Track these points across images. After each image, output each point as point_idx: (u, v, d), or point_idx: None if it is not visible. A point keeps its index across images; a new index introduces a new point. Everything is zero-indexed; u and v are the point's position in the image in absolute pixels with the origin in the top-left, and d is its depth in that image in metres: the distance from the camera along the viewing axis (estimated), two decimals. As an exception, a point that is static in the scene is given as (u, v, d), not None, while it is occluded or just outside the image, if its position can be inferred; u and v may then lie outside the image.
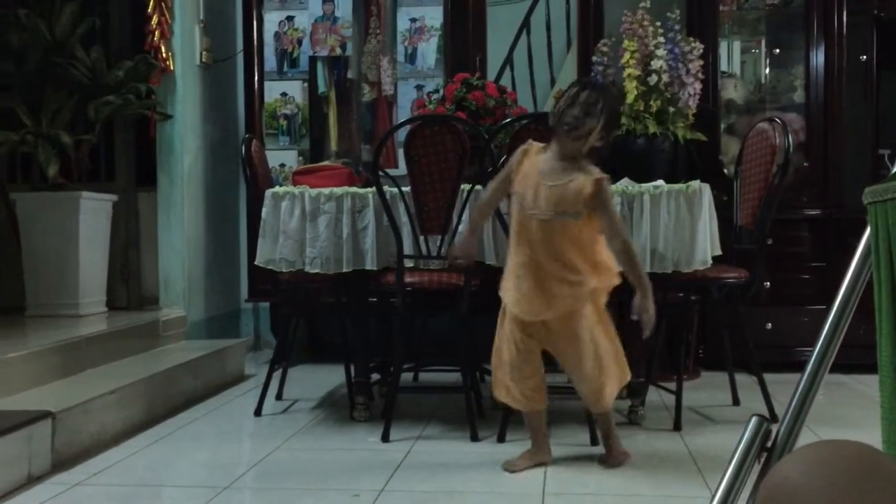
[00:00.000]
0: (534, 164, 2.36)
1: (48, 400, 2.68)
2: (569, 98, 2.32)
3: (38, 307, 3.88)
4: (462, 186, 2.85)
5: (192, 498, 2.27)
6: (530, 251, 2.36)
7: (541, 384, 2.51)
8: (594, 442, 2.74)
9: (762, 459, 1.05)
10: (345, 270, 2.90)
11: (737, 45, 4.40)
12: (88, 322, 3.74)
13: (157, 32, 4.07)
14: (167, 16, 4.11)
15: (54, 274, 3.86)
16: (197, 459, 2.71)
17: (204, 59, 4.40)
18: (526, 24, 5.11)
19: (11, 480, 2.32)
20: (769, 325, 3.97)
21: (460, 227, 2.84)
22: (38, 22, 3.88)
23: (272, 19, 4.51)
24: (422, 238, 2.88)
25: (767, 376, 3.09)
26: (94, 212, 3.98)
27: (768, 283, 3.92)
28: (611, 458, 2.53)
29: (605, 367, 2.44)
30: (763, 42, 4.39)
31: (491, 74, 4.41)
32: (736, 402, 3.31)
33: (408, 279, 2.88)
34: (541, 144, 2.41)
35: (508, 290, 2.43)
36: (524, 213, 2.36)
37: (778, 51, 4.36)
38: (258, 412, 3.23)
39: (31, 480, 2.39)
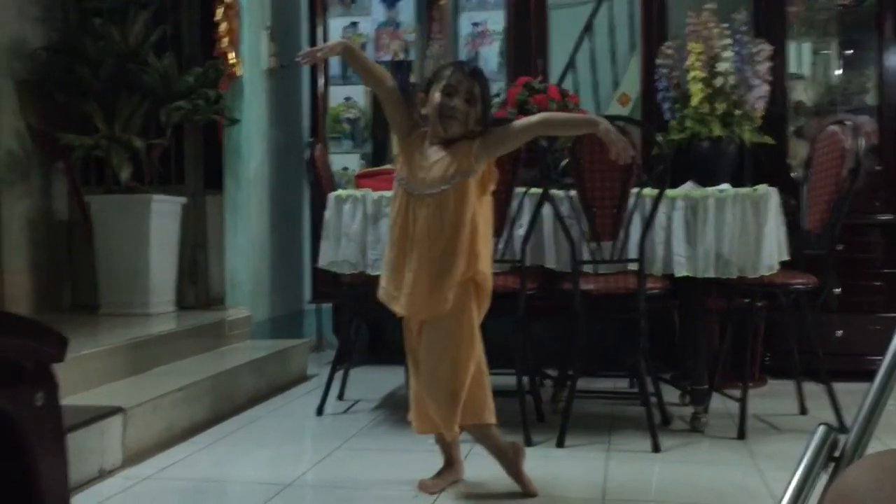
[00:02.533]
0: (416, 147, 2.27)
1: (119, 396, 2.77)
2: (444, 87, 2.21)
3: (111, 306, 4.00)
4: (517, 189, 2.83)
5: (256, 494, 2.32)
6: (407, 241, 2.24)
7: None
8: (656, 449, 2.70)
9: (829, 470, 1.03)
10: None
11: (806, 46, 4.29)
12: (158, 321, 3.84)
13: (225, 39, 4.16)
14: (235, 23, 4.20)
15: (126, 274, 3.98)
16: (260, 457, 2.77)
17: (270, 65, 4.49)
18: (588, 27, 5.07)
19: (85, 473, 2.40)
20: (839, 333, 3.86)
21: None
22: (113, 30, 4.01)
23: (336, 25, 4.57)
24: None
25: (836, 385, 3.00)
26: (164, 214, 4.08)
27: (838, 290, 3.82)
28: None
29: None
30: (834, 43, 4.28)
31: (553, 78, 4.39)
32: (803, 411, 3.23)
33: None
34: (425, 131, 2.30)
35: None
36: (409, 197, 2.24)
37: (849, 51, 4.25)
38: (320, 411, 3.28)
39: (103, 474, 2.47)
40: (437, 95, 2.22)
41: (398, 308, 2.28)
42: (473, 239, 2.21)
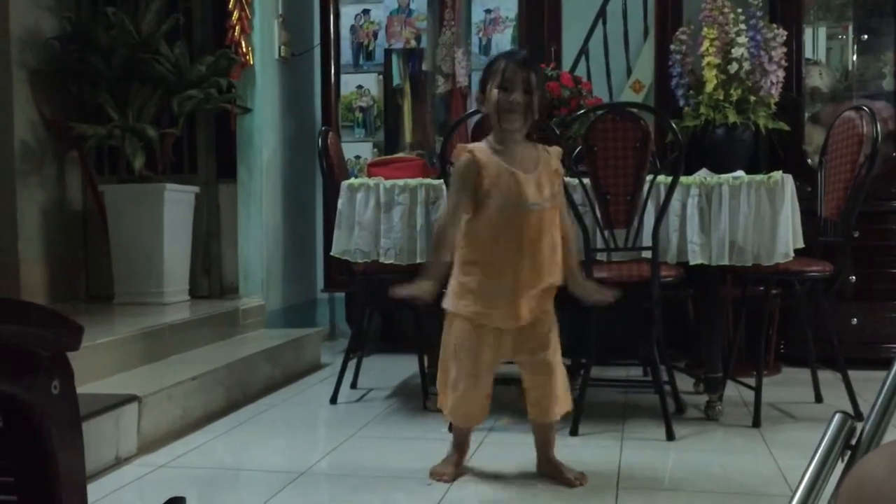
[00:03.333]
0: (492, 163, 2.20)
1: (134, 384, 2.79)
2: (501, 83, 2.18)
3: (125, 295, 4.03)
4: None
5: (271, 482, 2.33)
6: (512, 254, 2.21)
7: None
8: (670, 437, 2.70)
9: (845, 458, 1.02)
10: (418, 261, 2.93)
11: (822, 32, 4.25)
12: (172, 310, 3.86)
13: (237, 28, 4.16)
14: (247, 11, 4.20)
15: (140, 263, 4.00)
16: (274, 445, 2.78)
17: (282, 54, 4.48)
18: (602, 13, 5.03)
19: (101, 461, 2.42)
20: (854, 321, 3.84)
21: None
22: (125, 19, 4.02)
23: (348, 13, 4.56)
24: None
25: (852, 373, 2.99)
26: (177, 203, 4.10)
27: (854, 278, 3.80)
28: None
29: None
30: (850, 28, 4.23)
31: (566, 64, 4.37)
32: (818, 398, 3.22)
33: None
34: (472, 145, 2.25)
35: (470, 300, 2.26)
36: (514, 211, 2.19)
37: (866, 37, 4.20)
38: (334, 400, 3.29)
39: (119, 461, 2.49)
40: (494, 92, 2.19)
41: (491, 320, 2.25)
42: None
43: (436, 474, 2.35)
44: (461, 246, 2.26)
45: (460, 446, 2.43)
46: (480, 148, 2.24)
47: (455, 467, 2.38)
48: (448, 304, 2.29)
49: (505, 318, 2.24)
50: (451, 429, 2.61)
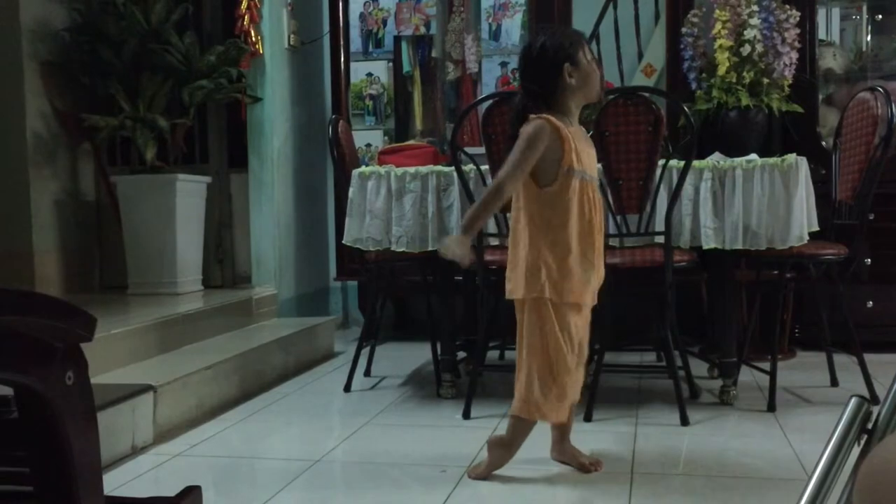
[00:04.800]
0: (572, 136, 2.15)
1: (149, 374, 2.80)
2: (591, 54, 2.20)
3: (139, 286, 4.04)
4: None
5: (286, 470, 2.34)
6: (591, 227, 2.19)
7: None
8: (684, 422, 2.69)
9: (862, 442, 1.02)
10: (430, 249, 2.93)
11: (836, 12, 4.21)
12: (185, 300, 3.88)
13: (246, 17, 4.16)
14: (256, 0, 4.19)
15: (153, 254, 4.02)
16: (289, 433, 2.79)
17: (292, 42, 4.48)
18: (612, -3, 5.00)
19: (117, 450, 2.44)
20: (870, 304, 3.81)
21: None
22: (135, 10, 4.02)
23: (357, 0, 4.55)
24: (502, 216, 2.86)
25: (867, 356, 2.97)
26: (189, 193, 4.11)
27: (869, 260, 3.77)
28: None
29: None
30: (864, 8, 4.19)
31: (576, 49, 4.34)
32: (834, 382, 3.20)
33: (489, 257, 2.88)
34: (556, 118, 2.14)
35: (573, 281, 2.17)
36: (590, 186, 2.19)
37: (880, 17, 4.16)
38: (347, 388, 3.30)
39: (135, 451, 2.51)
40: (594, 65, 2.18)
41: (589, 298, 2.22)
42: None
43: (476, 473, 2.26)
44: (543, 224, 2.15)
45: (516, 445, 2.28)
46: (561, 123, 2.14)
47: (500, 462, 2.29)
48: (543, 291, 2.15)
49: (594, 294, 2.25)
50: (464, 416, 2.61)
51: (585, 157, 2.18)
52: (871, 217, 3.31)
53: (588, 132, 2.88)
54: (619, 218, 2.78)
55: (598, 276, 2.24)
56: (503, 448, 2.27)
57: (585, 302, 2.22)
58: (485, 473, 2.25)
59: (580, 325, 2.23)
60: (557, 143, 2.11)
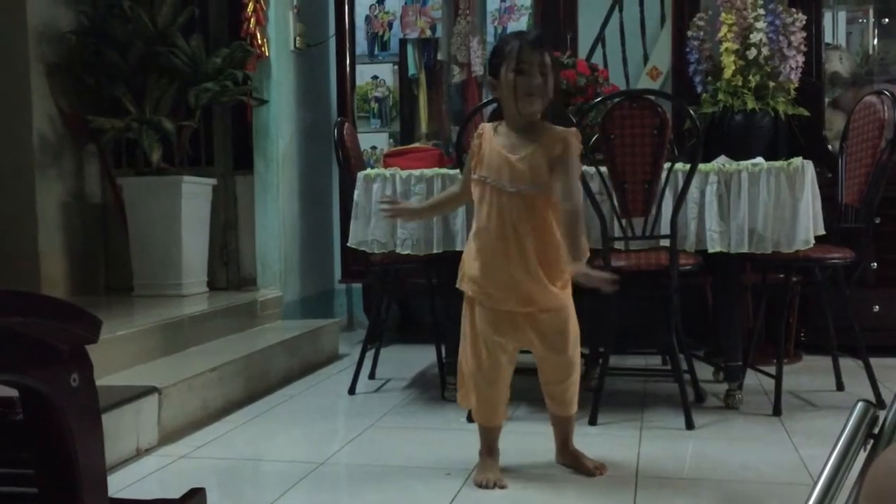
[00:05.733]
0: (490, 143, 2.17)
1: (154, 376, 2.80)
2: (516, 66, 2.09)
3: (144, 287, 4.05)
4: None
5: (290, 472, 2.34)
6: (489, 233, 2.18)
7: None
8: (689, 426, 2.68)
9: (868, 446, 1.01)
10: (435, 251, 2.92)
11: (842, 15, 4.20)
12: (191, 302, 3.88)
13: (252, 20, 4.17)
14: (262, 3, 4.20)
15: (159, 255, 4.03)
16: (294, 436, 2.79)
17: (297, 45, 4.48)
18: (618, 0, 5.00)
19: (122, 452, 2.44)
20: (876, 308, 3.80)
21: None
22: (141, 13, 4.03)
23: (363, 3, 4.55)
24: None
25: (874, 360, 2.96)
26: (194, 195, 4.12)
27: (875, 264, 3.76)
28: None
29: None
30: (871, 11, 4.18)
31: (582, 52, 4.34)
32: (840, 387, 3.19)
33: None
34: (492, 124, 2.22)
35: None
36: (498, 193, 2.14)
37: (887, 20, 4.15)
38: (352, 391, 3.30)
39: (140, 453, 2.51)
40: (510, 76, 2.10)
41: (500, 304, 2.20)
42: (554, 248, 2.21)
43: (482, 484, 2.23)
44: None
45: (492, 444, 2.32)
46: (490, 127, 2.24)
47: (495, 471, 2.27)
48: (459, 283, 2.27)
49: (503, 301, 2.18)
50: (468, 419, 2.60)
51: (500, 165, 2.14)
52: (878, 221, 3.31)
53: (593, 136, 2.87)
54: (624, 221, 2.77)
55: (510, 287, 2.16)
56: (483, 455, 2.32)
57: (495, 307, 2.19)
58: (479, 480, 2.24)
59: (508, 328, 2.20)
60: (476, 149, 2.22)
